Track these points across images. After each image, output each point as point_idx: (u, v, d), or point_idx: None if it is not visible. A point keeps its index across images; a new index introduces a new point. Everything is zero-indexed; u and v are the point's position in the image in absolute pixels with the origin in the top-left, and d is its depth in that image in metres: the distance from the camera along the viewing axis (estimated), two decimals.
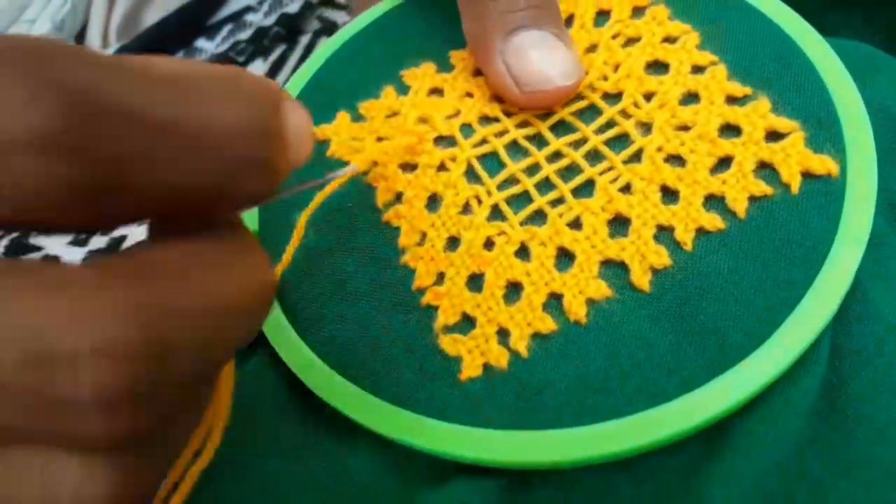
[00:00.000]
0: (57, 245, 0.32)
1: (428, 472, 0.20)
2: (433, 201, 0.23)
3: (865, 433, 0.19)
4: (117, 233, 0.32)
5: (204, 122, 0.12)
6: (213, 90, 0.13)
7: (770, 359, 0.18)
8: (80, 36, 0.42)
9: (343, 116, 0.26)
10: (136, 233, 0.31)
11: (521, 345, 0.20)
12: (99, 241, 0.32)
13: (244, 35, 0.41)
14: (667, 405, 0.18)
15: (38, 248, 0.32)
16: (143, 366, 0.12)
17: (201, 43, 0.42)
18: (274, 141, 0.14)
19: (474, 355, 0.20)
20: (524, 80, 0.23)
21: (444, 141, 0.24)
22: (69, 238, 0.32)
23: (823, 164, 0.20)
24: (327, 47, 0.28)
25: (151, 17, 0.43)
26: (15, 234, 0.32)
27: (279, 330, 0.22)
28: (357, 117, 0.25)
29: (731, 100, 0.22)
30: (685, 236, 0.20)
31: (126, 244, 0.31)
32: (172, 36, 0.42)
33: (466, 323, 0.20)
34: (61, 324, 0.11)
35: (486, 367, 0.20)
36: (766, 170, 0.21)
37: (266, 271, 0.14)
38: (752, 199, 0.20)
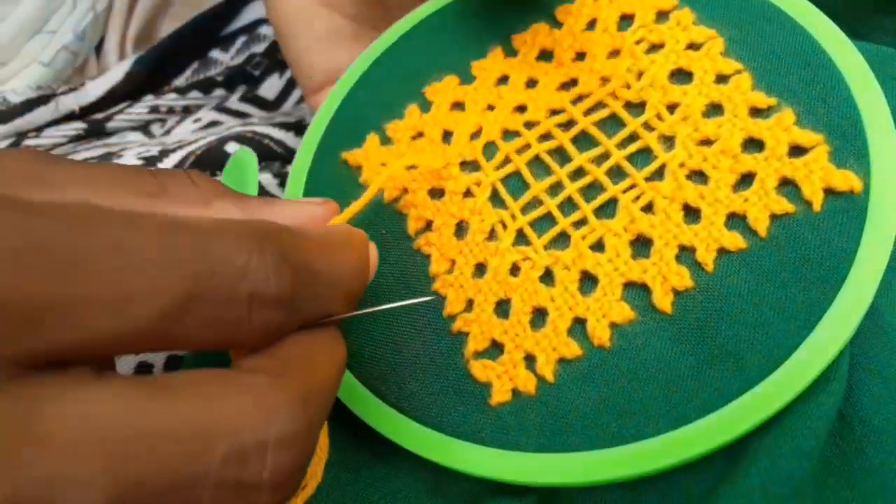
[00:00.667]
0: None
1: (464, 493, 0.21)
2: (460, 228, 0.24)
3: (873, 444, 0.20)
4: None
5: (339, 270, 0.17)
6: (341, 245, 0.18)
7: (788, 382, 0.19)
8: (98, 46, 0.42)
9: (372, 139, 0.26)
10: None
11: (547, 370, 0.21)
12: None
13: (258, 48, 0.42)
14: (687, 427, 0.19)
15: None
16: (303, 447, 0.15)
17: (216, 54, 0.43)
18: (366, 275, 0.19)
19: (503, 381, 0.21)
20: None
21: (468, 165, 0.25)
22: None
23: (846, 179, 0.20)
24: (359, 64, 0.29)
25: (167, 28, 0.44)
26: None
27: None
28: (385, 140, 0.26)
29: (755, 111, 0.22)
30: (706, 257, 0.21)
31: None
32: (187, 47, 0.42)
33: (495, 349, 0.22)
34: (256, 423, 0.14)
35: (515, 392, 0.21)
36: (788, 186, 0.21)
37: (345, 351, 0.18)
38: (774, 217, 0.21)
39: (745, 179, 0.21)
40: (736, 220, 0.21)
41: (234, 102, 0.41)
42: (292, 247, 0.16)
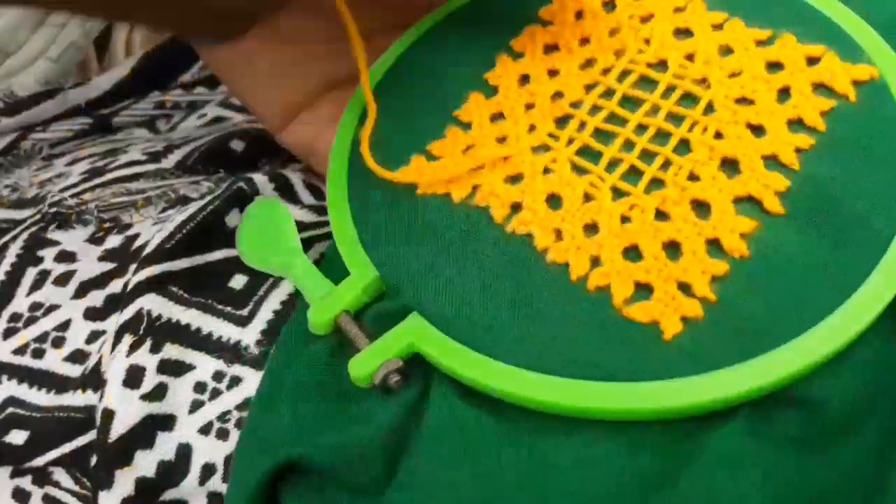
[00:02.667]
0: (72, 242, 0.31)
1: (665, 444, 0.20)
2: (551, 202, 0.23)
3: None
4: (131, 231, 0.30)
5: None
6: None
7: None
8: (105, 40, 0.44)
9: (418, 159, 0.26)
10: (146, 231, 0.30)
11: (707, 291, 0.21)
12: (114, 241, 0.30)
13: None
14: (855, 296, 0.20)
15: (56, 243, 0.31)
16: None
17: None
18: None
19: (669, 313, 0.20)
20: None
21: (537, 150, 0.25)
22: (86, 236, 0.31)
23: (865, 70, 0.24)
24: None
25: None
26: (34, 229, 0.32)
27: (461, 359, 0.21)
28: (431, 158, 0.26)
29: (759, 42, 0.25)
30: (790, 158, 0.22)
31: (138, 242, 0.30)
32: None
33: (642, 290, 0.21)
34: None
35: (685, 320, 0.20)
36: (820, 89, 0.24)
37: None
38: (823, 114, 0.23)
39: (783, 94, 0.24)
40: (794, 126, 0.23)
41: None
42: None
